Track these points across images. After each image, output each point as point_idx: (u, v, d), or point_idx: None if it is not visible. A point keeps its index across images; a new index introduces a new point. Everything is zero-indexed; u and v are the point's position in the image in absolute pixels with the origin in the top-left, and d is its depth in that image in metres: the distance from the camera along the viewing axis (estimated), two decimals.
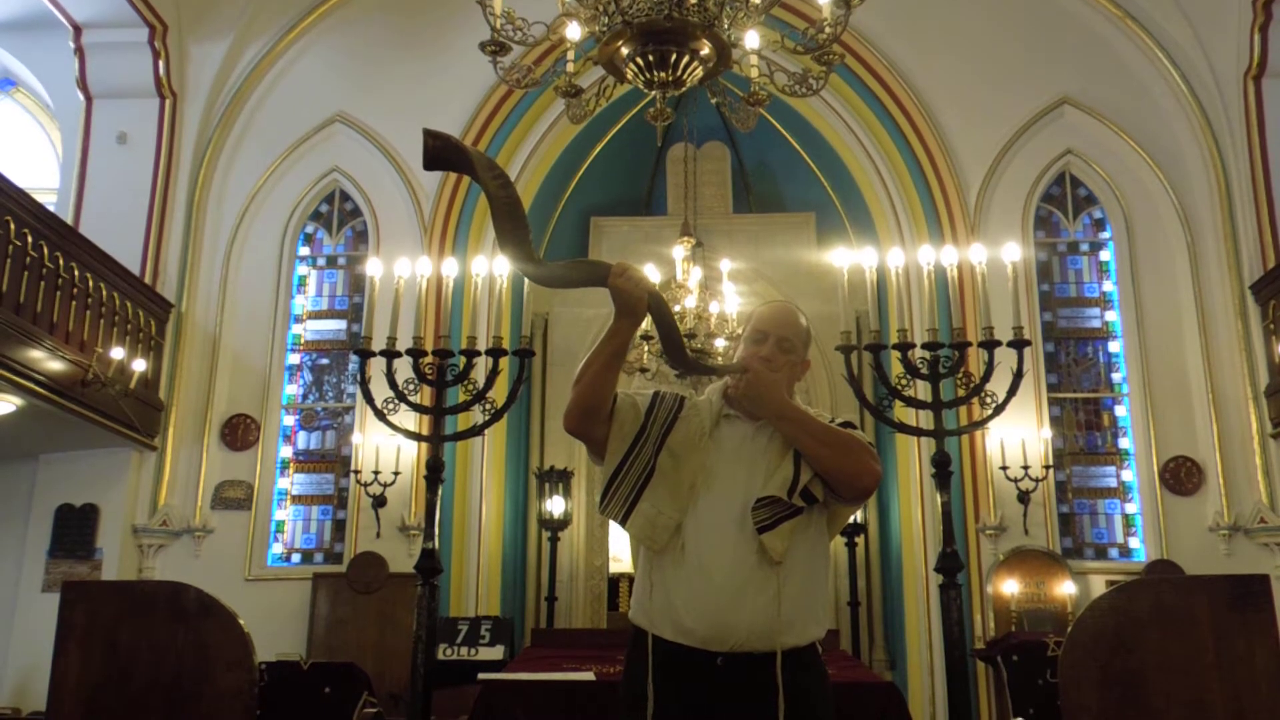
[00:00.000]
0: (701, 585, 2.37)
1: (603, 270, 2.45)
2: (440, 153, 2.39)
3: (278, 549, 8.92)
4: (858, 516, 8.85)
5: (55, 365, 7.28)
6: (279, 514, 8.97)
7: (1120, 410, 8.92)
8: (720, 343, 7.56)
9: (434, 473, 4.48)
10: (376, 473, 8.52)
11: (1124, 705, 3.07)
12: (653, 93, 3.94)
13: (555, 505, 9.10)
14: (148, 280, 8.91)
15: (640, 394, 2.60)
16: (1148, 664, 3.09)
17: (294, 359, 9.39)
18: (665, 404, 2.55)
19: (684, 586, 2.39)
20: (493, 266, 4.88)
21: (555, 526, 9.12)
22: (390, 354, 4.60)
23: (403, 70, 9.60)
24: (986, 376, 4.37)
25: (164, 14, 9.12)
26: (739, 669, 2.35)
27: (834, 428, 2.48)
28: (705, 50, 3.76)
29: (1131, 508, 8.70)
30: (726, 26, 3.82)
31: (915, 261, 5.21)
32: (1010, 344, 4.41)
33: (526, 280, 4.97)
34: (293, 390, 9.32)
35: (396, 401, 4.59)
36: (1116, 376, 9.00)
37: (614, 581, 10.05)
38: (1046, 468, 8.44)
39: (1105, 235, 9.32)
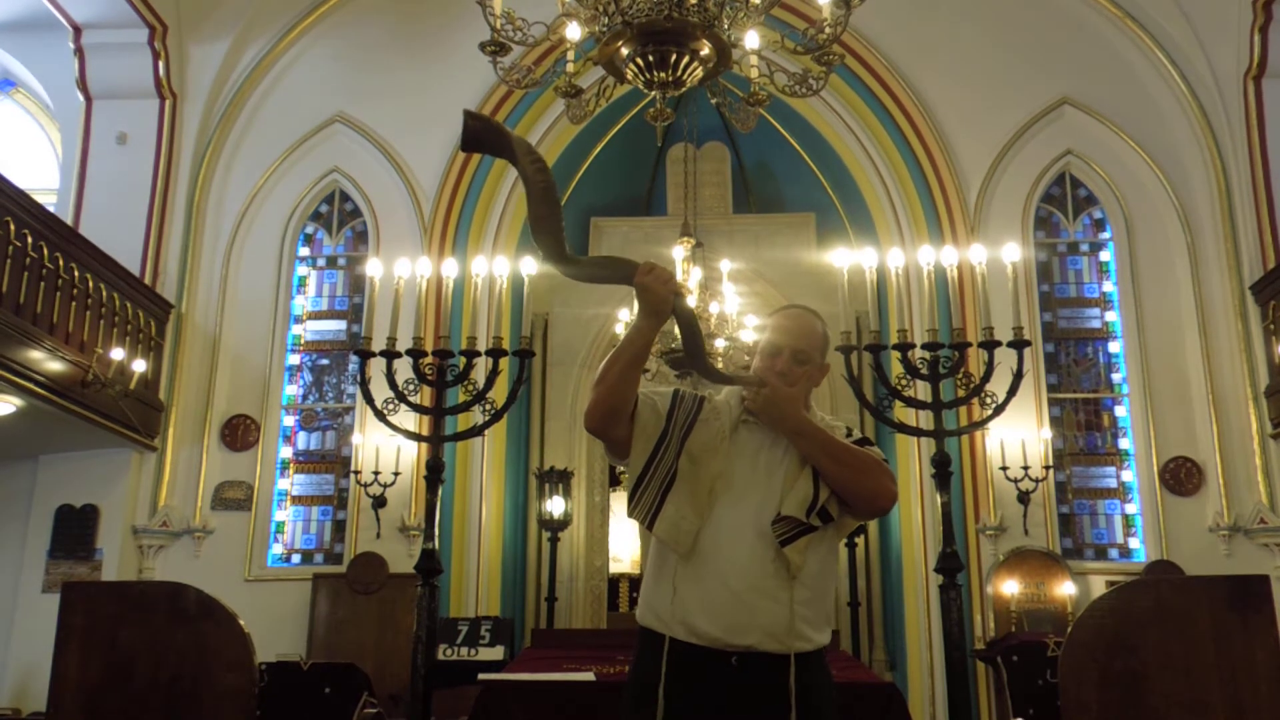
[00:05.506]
0: (716, 589, 2.36)
1: (630, 269, 2.42)
2: (479, 134, 2.36)
3: (278, 550, 8.92)
4: None
5: (55, 366, 7.28)
6: (279, 514, 8.97)
7: (1120, 411, 8.92)
8: (720, 343, 7.55)
9: (434, 473, 4.48)
10: (376, 473, 8.52)
11: (1124, 706, 3.07)
12: (653, 93, 3.94)
13: (555, 506, 9.09)
14: (147, 281, 8.91)
15: (659, 394, 2.57)
16: (1148, 664, 3.08)
17: (294, 359, 9.39)
18: (685, 406, 2.53)
19: (699, 589, 2.38)
20: (493, 267, 4.88)
21: (555, 527, 9.11)
22: (390, 354, 4.60)
23: (402, 71, 9.59)
24: (986, 377, 4.38)
25: (164, 15, 9.12)
26: (753, 669, 2.35)
27: (851, 446, 2.47)
28: (705, 50, 3.76)
29: (1131, 508, 8.69)
30: (726, 27, 3.82)
31: (915, 262, 5.21)
32: (1010, 344, 4.42)
33: (526, 280, 4.96)
34: (293, 391, 9.32)
35: (396, 402, 4.59)
36: (1116, 377, 9.00)
37: (614, 582, 10.04)
38: (1046, 468, 8.44)
39: (1105, 236, 9.32)
